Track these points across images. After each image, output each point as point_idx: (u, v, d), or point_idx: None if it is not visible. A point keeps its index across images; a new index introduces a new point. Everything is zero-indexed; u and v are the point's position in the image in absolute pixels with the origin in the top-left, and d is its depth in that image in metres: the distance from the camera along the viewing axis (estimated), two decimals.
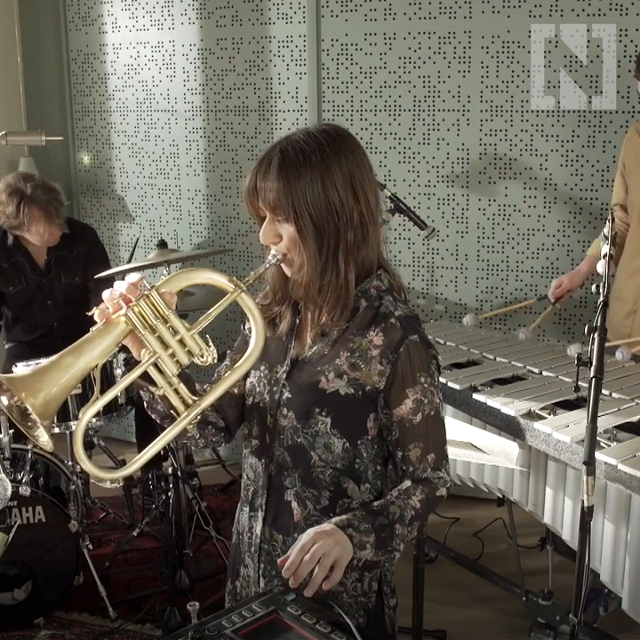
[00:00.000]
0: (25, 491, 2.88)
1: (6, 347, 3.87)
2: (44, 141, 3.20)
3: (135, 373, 1.44)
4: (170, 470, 3.15)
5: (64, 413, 3.16)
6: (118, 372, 3.24)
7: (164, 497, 3.10)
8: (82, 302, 3.65)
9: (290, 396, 1.59)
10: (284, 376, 1.61)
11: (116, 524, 3.73)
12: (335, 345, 1.57)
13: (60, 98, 4.56)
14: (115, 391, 1.46)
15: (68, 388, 1.39)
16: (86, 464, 1.40)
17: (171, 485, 3.12)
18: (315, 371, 1.57)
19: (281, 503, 1.62)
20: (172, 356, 1.44)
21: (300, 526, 1.59)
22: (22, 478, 2.94)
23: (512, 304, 3.75)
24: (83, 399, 3.15)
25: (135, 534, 3.43)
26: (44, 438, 1.39)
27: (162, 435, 1.46)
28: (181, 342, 1.45)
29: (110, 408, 3.29)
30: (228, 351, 1.73)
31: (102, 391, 1.43)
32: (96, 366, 1.41)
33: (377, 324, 1.55)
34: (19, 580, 2.94)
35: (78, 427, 1.40)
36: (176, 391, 1.46)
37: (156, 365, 1.44)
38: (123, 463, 1.53)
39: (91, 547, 3.23)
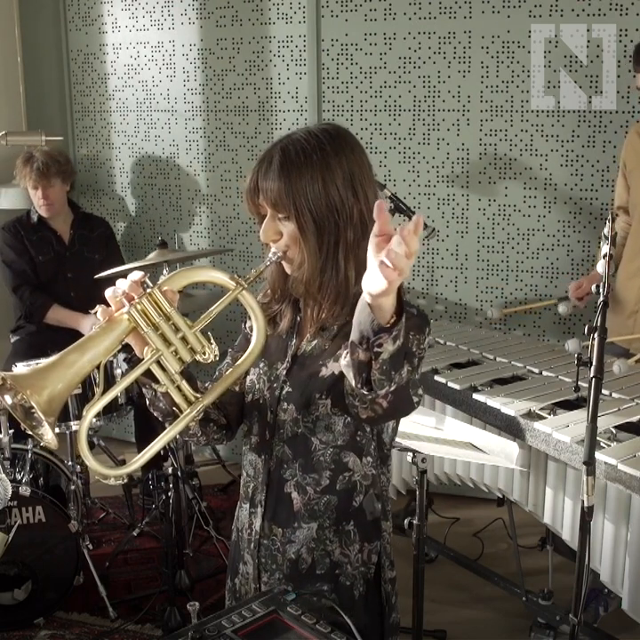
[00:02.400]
0: (25, 491, 2.87)
1: (12, 340, 3.89)
2: (44, 141, 3.21)
3: (138, 370, 1.45)
4: (170, 470, 3.15)
5: (64, 413, 3.16)
6: (118, 372, 3.25)
7: (163, 497, 3.10)
8: (98, 282, 3.69)
9: (290, 390, 1.59)
10: (284, 372, 1.61)
11: (116, 523, 3.73)
12: (335, 339, 1.57)
13: (59, 98, 4.56)
14: (118, 388, 1.47)
15: (72, 385, 1.39)
16: (90, 461, 1.40)
17: (171, 485, 3.12)
18: (316, 364, 1.57)
19: (281, 496, 1.62)
20: (175, 353, 1.45)
21: (300, 514, 1.60)
22: (22, 478, 2.94)
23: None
24: (83, 399, 3.16)
25: (135, 534, 3.43)
26: (48, 436, 1.39)
27: (165, 431, 1.47)
28: (183, 339, 1.45)
29: (110, 408, 3.30)
30: (229, 350, 1.73)
31: (103, 391, 1.43)
32: (98, 365, 1.41)
33: None
34: (19, 579, 2.94)
35: (82, 423, 1.40)
36: (178, 388, 1.47)
37: (158, 363, 1.45)
38: (123, 463, 1.53)
39: (91, 547, 3.23)
